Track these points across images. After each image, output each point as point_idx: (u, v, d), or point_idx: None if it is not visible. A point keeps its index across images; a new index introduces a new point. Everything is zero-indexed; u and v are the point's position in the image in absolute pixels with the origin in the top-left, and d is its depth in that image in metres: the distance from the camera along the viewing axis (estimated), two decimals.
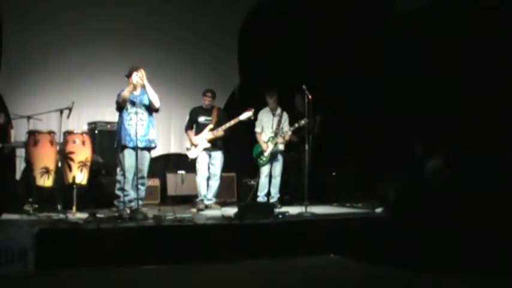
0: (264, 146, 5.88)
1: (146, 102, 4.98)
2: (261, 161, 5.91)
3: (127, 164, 4.83)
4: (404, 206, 3.42)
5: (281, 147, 5.93)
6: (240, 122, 5.60)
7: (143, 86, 4.89)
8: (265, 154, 5.87)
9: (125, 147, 4.85)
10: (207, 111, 5.75)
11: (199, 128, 5.71)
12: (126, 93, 4.85)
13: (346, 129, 6.30)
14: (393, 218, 3.73)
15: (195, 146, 5.66)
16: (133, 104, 4.84)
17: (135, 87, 4.81)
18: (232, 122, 5.59)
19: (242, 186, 6.67)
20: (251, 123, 5.76)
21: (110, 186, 5.20)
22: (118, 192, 4.95)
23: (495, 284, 3.04)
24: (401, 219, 3.35)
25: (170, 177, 6.57)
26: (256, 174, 5.98)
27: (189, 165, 5.96)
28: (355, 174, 6.22)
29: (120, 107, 4.91)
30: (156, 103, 4.93)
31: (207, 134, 5.65)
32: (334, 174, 6.59)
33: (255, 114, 5.73)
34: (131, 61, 5.17)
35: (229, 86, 7.22)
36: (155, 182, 6.40)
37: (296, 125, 5.71)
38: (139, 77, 4.84)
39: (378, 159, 5.64)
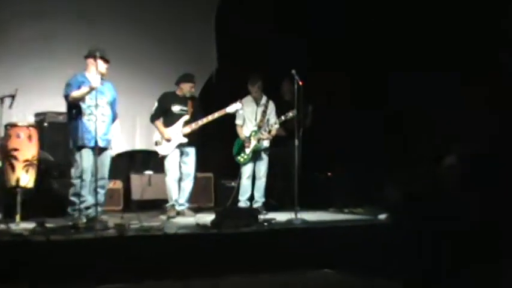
0: (245, 141, 5.86)
1: (109, 96, 4.95)
2: (243, 159, 5.86)
3: (85, 164, 4.75)
4: (412, 210, 3.46)
5: (266, 143, 5.90)
6: (226, 114, 5.58)
7: (103, 75, 4.84)
8: (247, 151, 5.83)
9: (82, 147, 4.78)
10: (182, 100, 5.67)
11: (172, 119, 5.62)
12: (78, 95, 4.71)
13: (343, 121, 6.35)
14: (400, 225, 3.67)
15: (167, 140, 5.58)
16: (92, 95, 4.72)
17: (92, 90, 4.67)
18: (216, 115, 5.53)
19: (220, 188, 6.67)
20: (232, 114, 5.71)
21: (63, 190, 5.13)
22: (72, 198, 4.84)
23: None
24: (409, 226, 3.37)
25: (135, 179, 6.56)
26: (237, 175, 5.96)
27: (158, 164, 5.95)
28: (354, 175, 6.23)
29: (73, 104, 4.80)
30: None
31: (182, 128, 5.60)
32: (329, 174, 6.59)
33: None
34: (91, 39, 5.24)
35: (204, 71, 7.20)
36: (117, 185, 6.36)
37: (283, 117, 5.69)
38: (105, 68, 4.83)
39: (381, 157, 5.70)
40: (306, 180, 5.51)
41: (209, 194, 6.74)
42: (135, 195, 6.43)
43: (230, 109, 5.57)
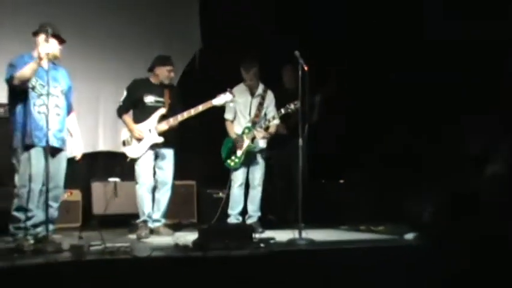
0: (237, 140, 5.84)
1: (63, 84, 4.94)
2: (233, 164, 5.87)
3: (33, 169, 4.68)
4: (448, 228, 3.51)
5: (262, 143, 5.90)
6: (213, 108, 5.57)
7: (57, 58, 4.85)
8: (239, 153, 5.83)
9: (31, 146, 4.72)
10: (157, 89, 5.65)
11: (145, 113, 5.63)
12: (27, 71, 4.62)
13: (359, 115, 6.46)
14: (432, 247, 3.70)
15: (139, 139, 5.56)
16: (43, 81, 4.69)
17: (41, 61, 4.62)
18: (200, 108, 5.52)
19: (205, 200, 6.71)
20: (220, 107, 5.70)
21: (3, 203, 5.06)
22: (16, 213, 4.75)
23: None
24: (444, 247, 3.41)
25: (97, 188, 6.55)
26: (225, 183, 5.97)
27: (126, 169, 5.97)
28: (373, 183, 6.27)
29: (18, 88, 4.71)
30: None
31: (158, 123, 5.56)
32: (341, 182, 6.63)
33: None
34: (41, 14, 5.27)
35: (185, 54, 7.19)
36: (74, 196, 6.37)
37: (283, 110, 5.69)
38: (59, 49, 4.80)
39: (408, 160, 5.76)
40: (312, 190, 5.61)
41: (191, 207, 6.76)
42: (97, 208, 6.43)
43: (218, 101, 5.52)
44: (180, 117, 5.55)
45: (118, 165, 6.57)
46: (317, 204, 5.95)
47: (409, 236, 4.97)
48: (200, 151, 6.63)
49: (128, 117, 5.66)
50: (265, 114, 5.89)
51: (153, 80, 5.66)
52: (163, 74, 5.62)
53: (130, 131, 5.59)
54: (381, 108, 6.47)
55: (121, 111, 5.67)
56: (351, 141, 6.65)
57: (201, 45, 7.24)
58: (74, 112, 5.15)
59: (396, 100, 6.24)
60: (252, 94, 5.91)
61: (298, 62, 5.03)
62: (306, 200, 5.05)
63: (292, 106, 5.57)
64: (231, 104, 5.76)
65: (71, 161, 5.06)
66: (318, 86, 6.18)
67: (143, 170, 5.57)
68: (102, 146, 6.91)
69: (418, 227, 4.69)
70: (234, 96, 5.59)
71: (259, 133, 5.80)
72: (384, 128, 6.28)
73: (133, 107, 5.66)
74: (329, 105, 6.57)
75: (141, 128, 5.57)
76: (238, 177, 5.85)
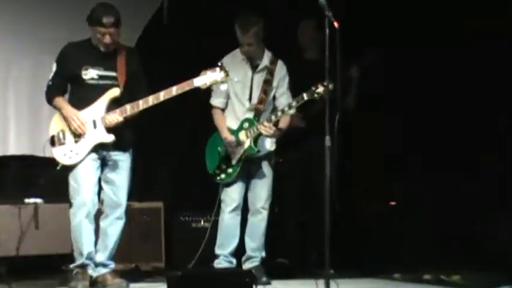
0: (229, 141, 5.92)
1: None
2: (225, 176, 5.95)
3: None
4: None
5: (269, 144, 6.03)
6: (193, 91, 5.55)
7: None
8: (234, 160, 5.91)
9: None
10: (104, 58, 5.68)
11: (86, 97, 5.65)
12: None
13: (420, 101, 6.54)
14: None
15: (76, 135, 5.58)
16: None
17: None
18: (174, 91, 5.51)
19: (179, 232, 6.78)
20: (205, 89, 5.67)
21: None
22: None
23: None
24: None
25: (5, 215, 6.43)
26: (210, 207, 6.04)
27: (55, 184, 5.99)
28: (442, 209, 6.34)
29: None
30: None
31: (107, 113, 5.59)
32: (393, 204, 6.74)
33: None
34: None
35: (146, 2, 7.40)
36: None
37: (305, 95, 5.68)
38: None
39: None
40: (345, 216, 5.51)
41: (156, 244, 6.76)
42: (6, 248, 6.28)
43: (202, 81, 5.50)
44: (143, 104, 5.53)
45: (40, 177, 6.62)
46: (353, 239, 6.13)
47: None
48: (171, 156, 6.73)
49: (63, 100, 5.65)
50: (273, 99, 5.96)
51: (95, 42, 5.66)
52: (95, 37, 5.62)
53: (65, 119, 5.57)
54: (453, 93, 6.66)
55: (50, 94, 5.66)
56: (406, 141, 6.80)
57: None
58: None
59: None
60: (254, 68, 5.95)
61: (326, 14, 4.87)
62: (336, 231, 5.02)
63: (320, 89, 5.53)
64: (223, 86, 5.82)
65: None
66: (354, 54, 6.30)
67: (83, 185, 5.51)
68: (14, 149, 6.93)
69: None
70: (227, 74, 5.58)
71: (266, 128, 5.79)
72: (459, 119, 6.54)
73: (67, 85, 5.68)
74: (373, 84, 6.68)
75: (81, 119, 5.55)
76: (232, 197, 5.88)
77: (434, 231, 6.40)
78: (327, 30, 4.85)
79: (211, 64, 5.50)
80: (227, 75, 5.49)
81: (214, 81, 5.50)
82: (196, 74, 5.49)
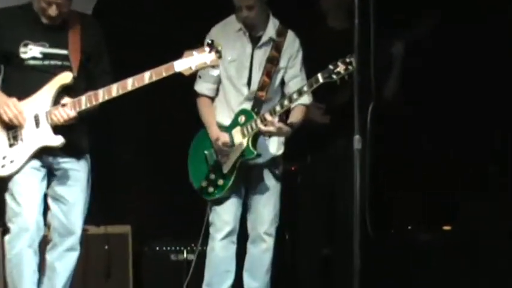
0: (220, 142, 5.92)
1: None
2: (214, 191, 5.98)
3: None
4: None
5: (275, 146, 6.04)
6: (174, 76, 5.48)
7: None
8: (226, 168, 5.94)
9: None
10: (50, 29, 5.62)
11: (26, 83, 5.60)
12: None
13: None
14: None
15: (13, 136, 5.59)
16: None
17: None
18: (147, 78, 5.46)
19: (153, 266, 6.93)
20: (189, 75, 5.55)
21: None
22: None
23: None
24: None
25: None
26: (198, 231, 6.11)
27: None
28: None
29: None
30: None
31: (54, 105, 5.55)
32: (447, 229, 6.80)
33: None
34: None
35: None
36: None
37: (320, 77, 5.69)
38: None
39: None
40: (382, 245, 5.61)
41: (122, 282, 6.84)
42: None
43: (185, 64, 5.44)
44: (104, 95, 5.46)
45: None
46: (393, 277, 6.19)
47: None
48: (142, 165, 6.65)
49: None
50: (282, 84, 5.92)
51: (37, 8, 5.59)
52: (38, 4, 5.54)
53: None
54: None
55: None
56: (469, 142, 6.77)
57: None
58: None
59: None
60: (254, 41, 5.93)
61: None
62: (371, 267, 4.89)
63: (341, 67, 5.51)
64: (214, 72, 5.79)
65: None
66: (397, 23, 6.23)
67: (23, 203, 5.43)
68: None
69: None
70: (220, 55, 5.48)
71: (267, 124, 5.74)
72: None
73: (1, 70, 5.66)
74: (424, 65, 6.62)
75: (21, 112, 5.51)
76: (224, 219, 5.86)
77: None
78: None
79: (198, 41, 5.49)
80: (220, 56, 5.37)
81: (202, 65, 5.38)
82: (178, 54, 5.43)
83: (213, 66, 5.48)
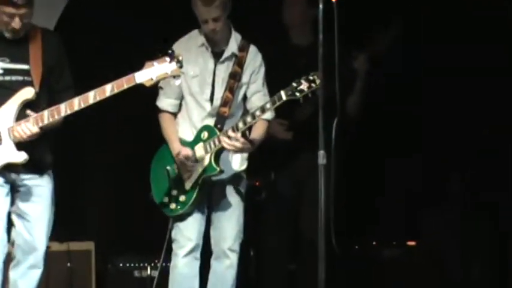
0: (183, 157, 5.89)
1: None
2: (176, 207, 5.94)
3: None
4: None
5: (238, 162, 6.03)
6: (134, 88, 5.47)
7: None
8: (188, 185, 5.93)
9: None
10: (10, 44, 5.64)
11: None
12: None
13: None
14: None
15: None
16: None
17: None
18: (108, 90, 5.45)
19: (116, 282, 7.00)
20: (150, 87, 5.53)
21: None
22: None
23: None
24: None
25: None
26: (160, 248, 6.04)
27: None
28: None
29: None
30: None
31: (16, 121, 5.54)
32: (411, 244, 6.81)
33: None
34: None
35: None
36: None
37: (283, 94, 5.72)
38: None
39: None
40: (348, 261, 5.72)
41: None
42: None
43: (146, 75, 5.43)
44: (66, 109, 5.43)
45: None
46: None
47: None
48: (105, 180, 6.64)
49: None
50: (244, 99, 5.90)
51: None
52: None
53: None
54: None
55: None
56: (428, 157, 6.78)
57: None
58: None
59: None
60: (216, 56, 5.90)
61: None
62: (336, 283, 5.07)
63: (304, 85, 5.50)
64: (175, 82, 5.66)
65: None
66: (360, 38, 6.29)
67: None
68: None
69: None
70: (181, 64, 5.46)
71: (229, 140, 5.72)
72: None
73: None
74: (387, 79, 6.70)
75: None
76: (186, 236, 5.82)
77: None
78: (321, 5, 4.95)
79: (160, 51, 5.42)
80: (181, 66, 5.36)
81: (163, 76, 5.36)
82: (140, 66, 5.41)
83: (174, 77, 5.43)
